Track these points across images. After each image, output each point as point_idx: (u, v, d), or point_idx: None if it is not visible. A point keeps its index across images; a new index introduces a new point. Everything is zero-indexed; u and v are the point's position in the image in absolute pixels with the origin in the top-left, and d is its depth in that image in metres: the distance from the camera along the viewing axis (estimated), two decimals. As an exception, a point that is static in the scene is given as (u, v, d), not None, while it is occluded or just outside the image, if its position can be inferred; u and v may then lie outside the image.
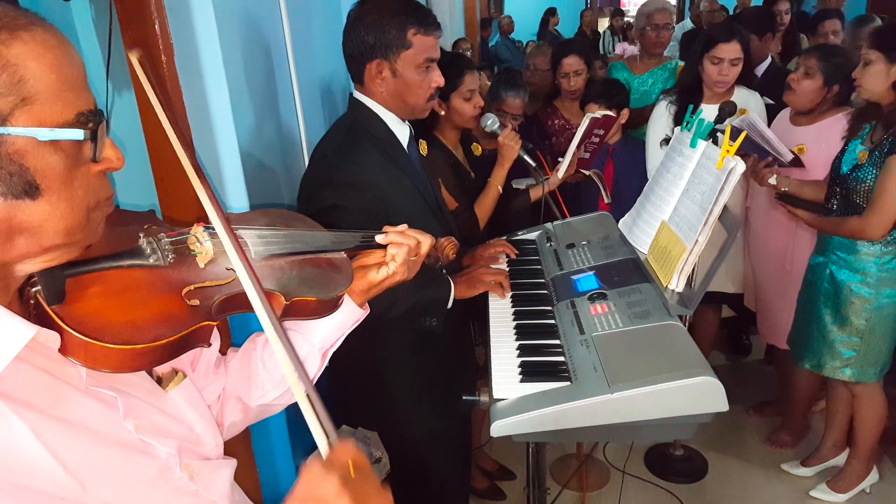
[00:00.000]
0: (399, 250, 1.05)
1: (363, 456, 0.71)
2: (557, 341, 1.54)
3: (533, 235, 2.18)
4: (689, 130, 1.74)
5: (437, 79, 1.57)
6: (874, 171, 2.01)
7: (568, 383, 1.36)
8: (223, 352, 1.03)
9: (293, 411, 0.73)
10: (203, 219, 0.83)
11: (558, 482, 2.53)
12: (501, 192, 2.22)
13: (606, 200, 2.57)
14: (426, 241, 1.10)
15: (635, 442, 2.72)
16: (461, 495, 1.99)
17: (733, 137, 1.53)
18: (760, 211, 2.58)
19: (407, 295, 1.55)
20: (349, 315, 1.03)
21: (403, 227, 1.08)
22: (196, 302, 0.76)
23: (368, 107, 1.58)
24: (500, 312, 1.72)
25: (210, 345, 0.79)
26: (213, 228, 0.81)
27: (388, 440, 1.85)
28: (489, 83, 2.99)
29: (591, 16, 8.81)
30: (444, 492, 1.86)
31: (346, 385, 1.83)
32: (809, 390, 2.60)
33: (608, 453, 2.71)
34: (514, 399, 1.36)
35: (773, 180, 2.26)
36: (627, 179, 2.69)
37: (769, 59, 3.26)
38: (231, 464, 0.88)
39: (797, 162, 2.34)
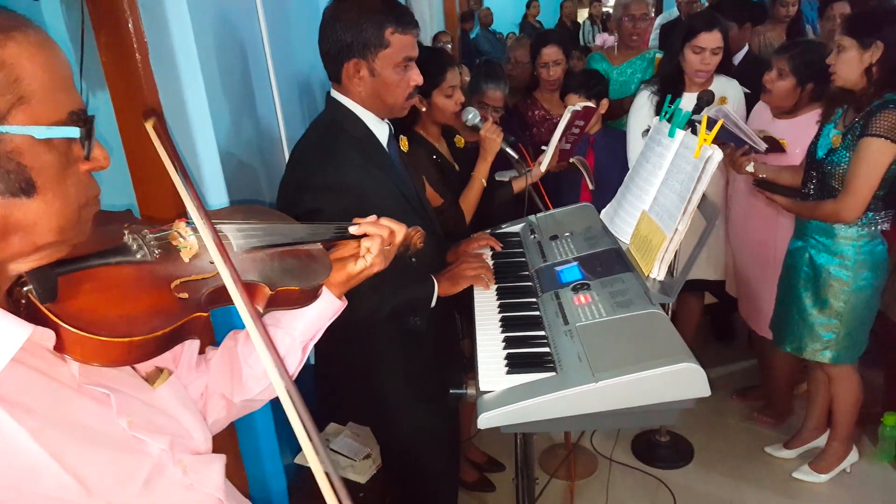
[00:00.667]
0: (373, 242, 1.06)
1: None
2: (542, 332, 1.55)
3: (517, 228, 2.19)
4: (667, 120, 1.76)
5: (416, 77, 1.57)
6: (848, 155, 2.04)
7: (553, 374, 1.38)
8: (202, 351, 1.03)
9: (280, 411, 0.74)
10: (185, 215, 0.83)
11: (547, 472, 2.56)
12: (486, 185, 2.22)
13: (591, 187, 2.58)
14: (400, 229, 1.11)
15: (622, 429, 2.75)
16: (451, 488, 2.00)
17: (710, 127, 1.54)
18: (740, 198, 2.60)
19: (391, 296, 1.55)
20: (328, 306, 1.04)
21: (373, 217, 1.09)
22: (185, 295, 0.77)
23: (346, 106, 1.57)
24: (486, 305, 1.72)
25: (199, 338, 0.80)
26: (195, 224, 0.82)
27: (379, 436, 1.87)
28: (468, 79, 2.99)
29: (570, 6, 8.82)
30: (435, 485, 1.87)
31: (336, 383, 1.83)
32: (790, 374, 2.65)
33: (595, 442, 2.74)
34: (500, 391, 1.37)
35: (750, 167, 2.28)
36: (608, 170, 2.70)
37: (746, 48, 3.29)
38: (221, 458, 0.89)
39: (777, 147, 2.37)
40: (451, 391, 1.39)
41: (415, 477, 1.84)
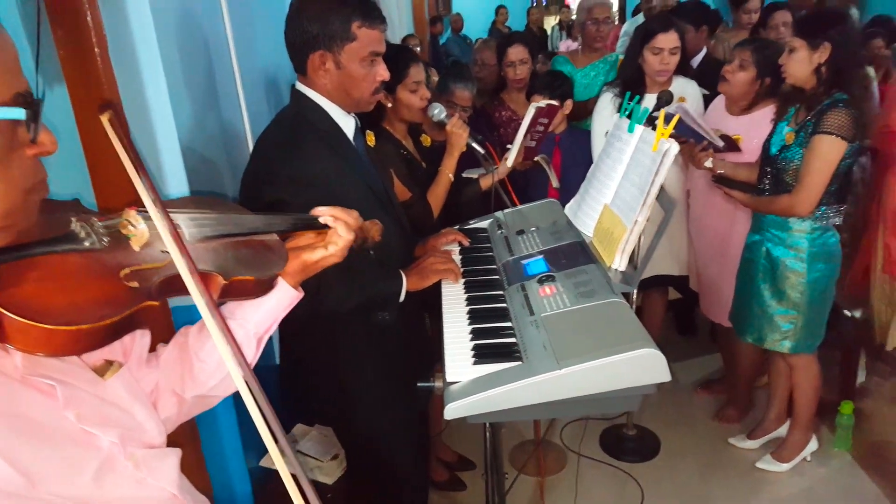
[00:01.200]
0: (339, 225, 1.06)
1: None
2: (509, 323, 1.57)
3: (484, 224, 2.21)
4: (627, 117, 1.80)
5: (383, 72, 1.57)
6: (801, 151, 2.11)
7: (519, 363, 1.39)
8: (153, 349, 1.02)
9: (245, 412, 0.74)
10: (136, 203, 0.82)
11: (516, 468, 2.57)
12: (453, 180, 2.24)
13: (555, 185, 2.62)
14: (358, 220, 1.10)
15: (590, 425, 2.78)
16: (421, 488, 2.00)
17: (667, 121, 1.58)
18: (700, 194, 2.67)
19: (358, 289, 1.55)
20: (284, 296, 1.03)
21: (331, 208, 1.08)
22: (136, 284, 0.75)
23: (312, 98, 1.57)
24: (454, 298, 1.73)
25: (150, 329, 0.78)
26: (147, 212, 0.81)
27: (346, 436, 1.85)
28: (437, 79, 3.01)
29: (537, 13, 8.94)
30: (403, 485, 1.86)
31: (302, 382, 1.82)
32: (752, 365, 2.71)
33: (564, 437, 2.77)
34: (467, 381, 1.38)
35: (708, 163, 2.34)
36: (574, 168, 2.74)
37: (704, 51, 3.38)
38: (176, 452, 0.87)
39: (733, 146, 2.44)
40: (418, 384, 1.40)
41: (384, 476, 1.83)
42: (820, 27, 2.08)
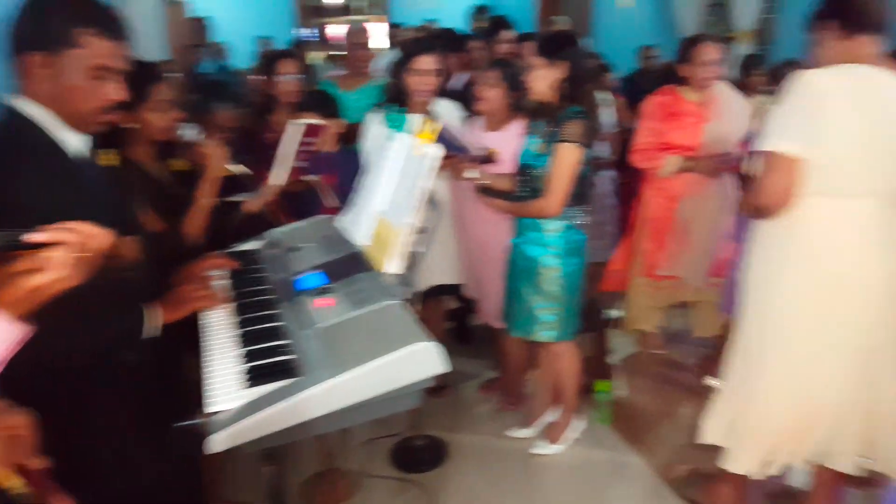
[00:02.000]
0: (59, 250, 0.92)
1: None
2: (286, 341, 1.51)
3: (256, 245, 2.13)
4: (391, 128, 1.85)
5: (115, 93, 1.38)
6: (548, 160, 2.35)
7: (297, 378, 1.35)
8: None
9: None
10: None
11: (309, 502, 2.47)
12: (215, 205, 2.09)
13: (331, 205, 2.60)
14: (98, 236, 0.97)
15: (380, 440, 2.77)
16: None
17: (429, 129, 1.66)
18: (467, 205, 2.83)
19: (87, 332, 1.35)
20: (3, 332, 0.86)
21: (61, 225, 0.95)
22: None
23: (28, 110, 1.33)
24: (221, 325, 1.64)
25: None
26: None
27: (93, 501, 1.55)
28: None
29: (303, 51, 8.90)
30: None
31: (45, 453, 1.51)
32: (523, 359, 2.94)
33: (355, 461, 2.71)
34: (237, 407, 1.30)
35: (471, 174, 2.51)
36: (351, 187, 2.75)
37: (468, 76, 3.66)
38: None
39: (491, 159, 2.64)
40: (176, 425, 1.26)
41: None
42: (557, 47, 2.37)
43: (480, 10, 5.72)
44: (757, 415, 1.98)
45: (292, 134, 2.32)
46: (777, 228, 1.87)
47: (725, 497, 2.22)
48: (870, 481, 2.42)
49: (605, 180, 3.35)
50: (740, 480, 2.12)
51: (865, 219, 1.81)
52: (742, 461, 2.04)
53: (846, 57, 1.80)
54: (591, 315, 2.93)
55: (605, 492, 2.55)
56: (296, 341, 1.49)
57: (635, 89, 3.46)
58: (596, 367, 3.13)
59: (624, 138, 3.40)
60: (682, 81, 2.98)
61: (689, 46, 2.94)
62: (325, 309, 1.55)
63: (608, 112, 3.28)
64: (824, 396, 1.91)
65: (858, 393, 1.90)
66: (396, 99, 2.76)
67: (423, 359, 1.29)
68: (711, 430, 2.12)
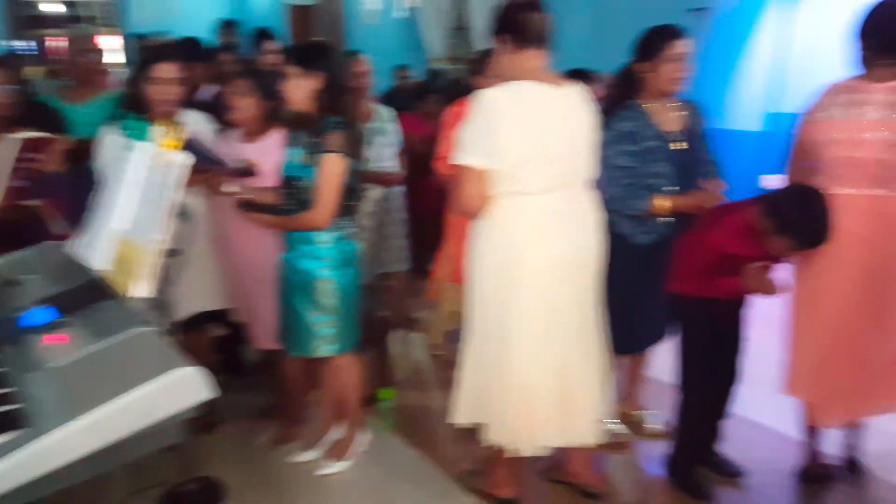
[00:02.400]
0: None
1: None
2: (7, 389, 1.26)
3: (-42, 284, 1.75)
4: (127, 139, 1.66)
5: None
6: (313, 170, 2.30)
7: (24, 430, 1.12)
8: None
9: None
10: None
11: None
12: None
13: (59, 231, 2.25)
14: None
15: (144, 491, 2.45)
16: None
17: (174, 137, 1.51)
18: (227, 221, 2.65)
19: None
20: None
21: None
22: None
23: None
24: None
25: None
26: None
27: None
28: None
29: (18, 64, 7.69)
30: None
31: None
32: (303, 380, 2.81)
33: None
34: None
35: (230, 188, 2.36)
36: (83, 210, 2.41)
37: (207, 89, 3.46)
38: None
39: (249, 171, 2.51)
40: None
41: None
42: (312, 57, 2.34)
43: (228, 25, 5.55)
44: (493, 391, 2.18)
45: (6, 150, 1.97)
46: (480, 226, 2.15)
47: (502, 479, 2.36)
48: (622, 445, 2.77)
49: (397, 195, 3.40)
50: (512, 462, 2.27)
51: (549, 209, 2.08)
52: (499, 434, 2.20)
53: (517, 67, 2.06)
54: (370, 325, 2.92)
55: (396, 501, 2.55)
56: (21, 387, 1.25)
57: (393, 107, 3.65)
58: (378, 376, 3.13)
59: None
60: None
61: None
62: (57, 346, 1.32)
63: (394, 128, 3.33)
64: (531, 377, 2.14)
65: (557, 374, 2.16)
66: (135, 108, 2.51)
67: (184, 386, 1.15)
68: (462, 412, 2.27)
